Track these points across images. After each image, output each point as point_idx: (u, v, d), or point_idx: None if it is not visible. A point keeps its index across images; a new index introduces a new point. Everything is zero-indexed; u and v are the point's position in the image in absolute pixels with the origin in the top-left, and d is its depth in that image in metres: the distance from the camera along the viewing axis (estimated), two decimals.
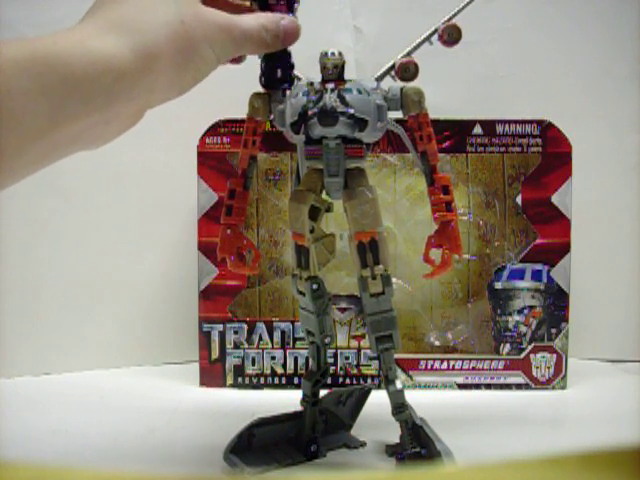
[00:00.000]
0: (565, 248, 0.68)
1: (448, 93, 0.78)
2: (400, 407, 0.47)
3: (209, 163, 0.69)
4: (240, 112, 0.69)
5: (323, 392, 0.53)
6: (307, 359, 0.69)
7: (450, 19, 0.51)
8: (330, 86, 0.45)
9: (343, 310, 0.69)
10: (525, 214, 0.68)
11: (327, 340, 0.50)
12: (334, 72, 0.46)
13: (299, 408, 0.52)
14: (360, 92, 0.45)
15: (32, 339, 0.74)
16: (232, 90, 0.75)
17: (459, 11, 0.51)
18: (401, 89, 0.47)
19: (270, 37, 0.45)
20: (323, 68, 0.46)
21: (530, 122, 0.68)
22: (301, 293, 0.49)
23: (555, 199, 0.68)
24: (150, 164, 0.75)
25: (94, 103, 0.39)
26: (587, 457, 0.22)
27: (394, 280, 0.69)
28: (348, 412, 0.55)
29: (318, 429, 0.52)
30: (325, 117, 0.44)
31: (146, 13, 0.40)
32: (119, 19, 0.40)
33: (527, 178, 0.68)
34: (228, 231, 0.49)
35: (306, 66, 0.80)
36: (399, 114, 0.48)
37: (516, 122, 0.68)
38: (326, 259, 0.48)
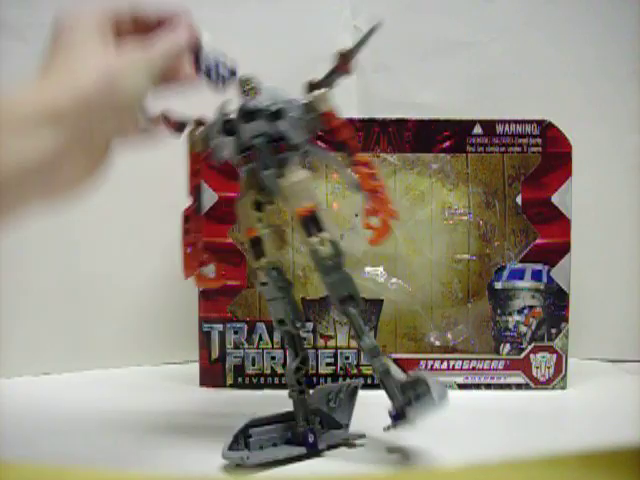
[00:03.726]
0: (565, 248, 0.68)
1: (448, 93, 0.78)
2: (375, 354, 0.48)
3: (209, 163, 0.68)
4: None
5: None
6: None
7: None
8: (246, 98, 0.52)
9: None
10: (525, 214, 0.68)
11: (298, 324, 0.51)
12: (249, 90, 0.52)
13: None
14: (269, 92, 0.52)
15: (32, 339, 0.74)
16: (232, 90, 0.75)
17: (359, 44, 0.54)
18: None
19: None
20: (242, 90, 0.52)
21: (530, 122, 0.68)
22: (264, 284, 0.51)
23: (555, 199, 0.68)
24: (150, 164, 0.75)
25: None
26: (587, 457, 0.22)
27: (394, 280, 0.69)
28: (342, 411, 0.55)
29: (313, 421, 0.52)
30: (245, 114, 0.51)
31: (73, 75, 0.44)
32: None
33: (527, 178, 0.68)
34: (188, 250, 0.54)
35: (306, 66, 0.80)
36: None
37: (516, 122, 0.68)
38: (280, 245, 0.52)
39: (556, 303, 0.69)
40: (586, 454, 0.22)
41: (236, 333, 0.69)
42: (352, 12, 0.79)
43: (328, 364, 0.69)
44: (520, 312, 0.69)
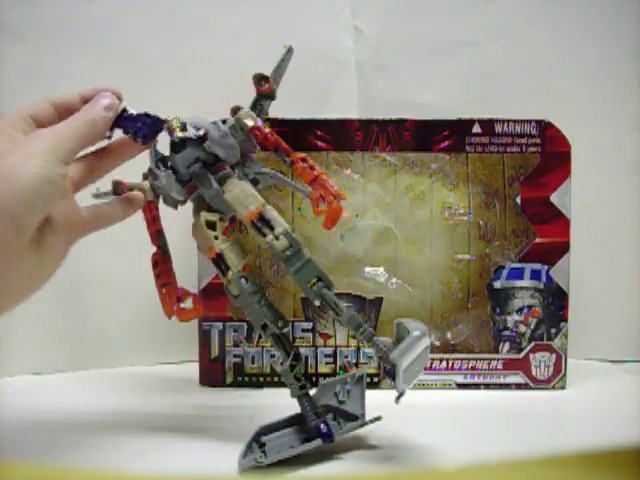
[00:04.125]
0: (564, 247, 0.68)
1: (448, 93, 0.78)
2: (357, 324, 0.50)
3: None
4: None
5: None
6: (306, 358, 0.69)
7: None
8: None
9: None
10: (524, 214, 0.68)
11: (280, 324, 0.52)
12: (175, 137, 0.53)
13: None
14: (191, 121, 0.54)
15: (30, 338, 0.74)
16: (232, 90, 0.75)
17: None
18: (235, 118, 0.54)
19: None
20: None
21: (529, 122, 0.68)
22: (237, 296, 0.52)
23: (554, 199, 0.68)
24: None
25: None
26: (587, 457, 0.22)
27: (394, 280, 0.69)
28: (354, 402, 0.54)
29: (322, 415, 0.51)
30: (176, 145, 0.53)
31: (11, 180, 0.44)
32: None
33: (526, 178, 0.68)
34: (163, 290, 0.56)
35: (307, 66, 0.80)
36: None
37: (515, 122, 0.68)
38: (244, 254, 0.53)
39: (555, 303, 0.69)
40: (586, 454, 0.22)
41: (236, 332, 0.69)
42: (352, 12, 0.79)
43: (327, 363, 0.69)
44: (519, 312, 0.69)
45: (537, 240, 0.68)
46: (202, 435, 0.55)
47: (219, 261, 0.52)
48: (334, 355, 0.69)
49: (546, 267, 0.68)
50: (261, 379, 0.69)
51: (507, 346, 0.69)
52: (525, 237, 0.69)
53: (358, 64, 0.79)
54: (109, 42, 0.74)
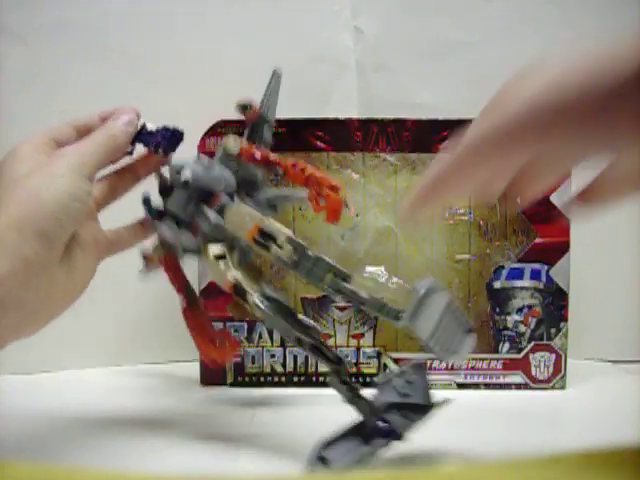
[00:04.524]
0: (564, 247, 0.68)
1: (448, 93, 0.78)
2: (382, 308, 0.49)
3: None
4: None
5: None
6: (307, 357, 0.69)
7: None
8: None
9: (342, 309, 0.69)
10: (524, 213, 0.68)
11: (314, 333, 0.51)
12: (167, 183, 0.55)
13: (303, 406, 0.52)
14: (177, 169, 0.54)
15: (31, 337, 0.74)
16: (232, 90, 0.75)
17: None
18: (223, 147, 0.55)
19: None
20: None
21: None
22: (265, 320, 0.51)
23: (554, 199, 0.68)
24: None
25: None
26: (587, 457, 0.22)
27: (394, 280, 0.69)
28: (419, 393, 0.51)
29: (380, 409, 0.49)
30: (164, 192, 0.55)
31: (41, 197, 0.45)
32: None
33: None
34: (199, 340, 0.56)
35: (307, 66, 0.80)
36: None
37: None
38: (257, 276, 0.53)
39: (555, 302, 0.69)
40: (586, 454, 0.22)
41: (236, 331, 0.70)
42: (352, 12, 0.79)
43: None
44: (519, 312, 0.69)
45: (537, 240, 0.68)
46: (202, 435, 0.55)
47: (238, 290, 0.51)
48: None
49: (546, 267, 0.69)
50: (261, 379, 0.70)
51: (507, 346, 0.69)
52: (526, 237, 0.69)
53: (358, 64, 0.79)
54: (108, 44, 0.74)
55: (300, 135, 0.69)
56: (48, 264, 0.46)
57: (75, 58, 0.74)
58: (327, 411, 0.50)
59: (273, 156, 0.54)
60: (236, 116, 0.67)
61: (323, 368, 0.69)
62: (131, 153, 0.54)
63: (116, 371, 0.75)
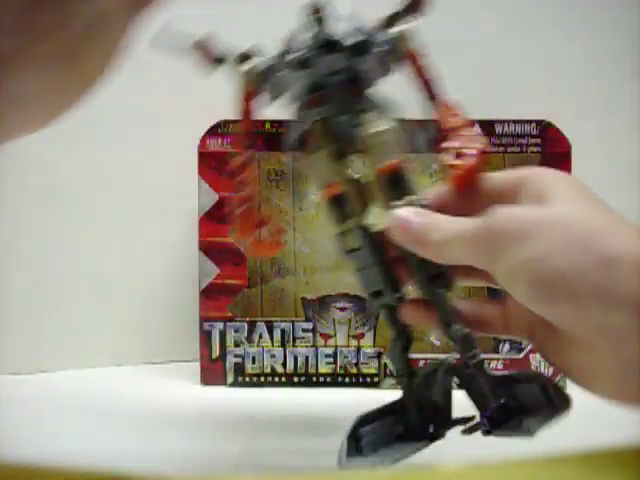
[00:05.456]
0: None
1: (448, 93, 0.78)
2: (471, 350, 0.40)
3: (210, 163, 0.69)
4: None
5: None
6: (307, 358, 0.69)
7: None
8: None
9: (343, 309, 0.69)
10: None
11: (399, 295, 0.43)
12: (320, 29, 0.45)
13: (303, 407, 0.52)
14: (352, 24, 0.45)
15: (31, 336, 0.74)
16: (232, 90, 0.75)
17: None
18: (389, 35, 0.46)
19: None
20: (314, 34, 0.45)
21: (529, 122, 0.68)
22: (353, 250, 0.43)
23: None
24: (151, 164, 0.75)
25: None
26: (587, 457, 0.22)
27: None
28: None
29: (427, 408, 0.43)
30: (325, 45, 0.44)
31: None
32: None
33: None
34: (239, 209, 0.47)
35: None
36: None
37: (515, 122, 0.68)
38: (364, 204, 0.44)
39: None
40: (586, 454, 0.22)
41: (236, 332, 0.69)
42: (352, 12, 0.79)
43: (328, 363, 0.69)
44: None
45: None
46: (203, 435, 0.55)
47: (337, 204, 0.43)
48: (334, 355, 0.69)
49: None
50: (262, 379, 0.70)
51: (507, 346, 0.69)
52: None
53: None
54: None
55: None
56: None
57: None
58: (327, 411, 0.50)
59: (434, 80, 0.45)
60: (235, 115, 0.67)
61: (323, 368, 0.69)
62: None
63: (116, 371, 0.75)
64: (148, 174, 0.75)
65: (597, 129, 0.77)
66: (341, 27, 0.43)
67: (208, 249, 0.69)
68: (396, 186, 0.41)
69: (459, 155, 0.40)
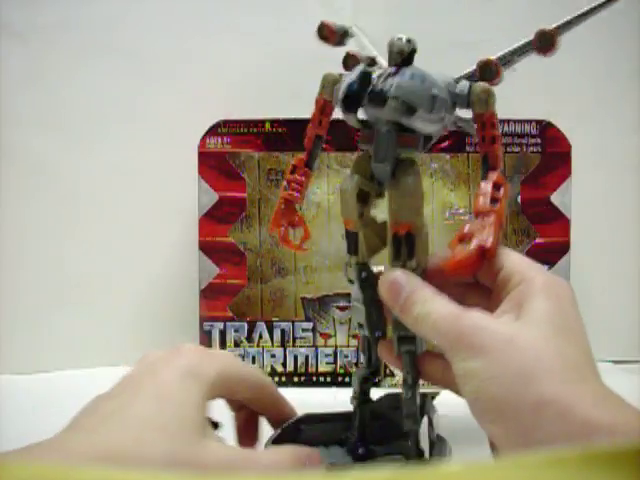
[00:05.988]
0: (564, 248, 0.68)
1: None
2: (411, 415, 0.44)
3: (210, 163, 0.69)
4: (240, 112, 0.69)
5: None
6: (307, 357, 0.69)
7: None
8: (390, 70, 0.42)
9: (343, 309, 0.69)
10: (524, 214, 0.68)
11: (378, 334, 0.46)
12: (397, 58, 0.42)
13: (303, 406, 0.52)
14: (414, 78, 0.41)
15: (32, 337, 0.74)
16: (232, 90, 0.75)
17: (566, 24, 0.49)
18: (470, 85, 0.44)
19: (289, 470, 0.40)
20: (389, 54, 0.43)
21: (529, 122, 0.68)
22: (351, 281, 0.46)
23: (554, 199, 0.68)
24: (151, 164, 0.75)
25: None
26: (587, 457, 0.22)
27: None
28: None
29: (369, 432, 0.48)
30: (372, 98, 0.41)
31: (123, 449, 0.36)
32: (107, 448, 0.36)
33: (526, 178, 0.68)
34: (282, 206, 0.48)
35: (307, 66, 0.80)
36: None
37: (515, 122, 0.68)
38: (377, 246, 0.45)
39: None
40: (586, 454, 0.22)
41: (236, 331, 0.70)
42: (352, 12, 0.79)
43: (328, 362, 0.69)
44: None
45: (537, 240, 0.68)
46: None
47: (350, 237, 0.45)
48: (334, 355, 0.69)
49: (546, 267, 0.68)
50: None
51: None
52: (526, 237, 0.69)
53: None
54: (109, 44, 0.74)
55: (300, 135, 0.68)
56: None
57: (75, 57, 0.74)
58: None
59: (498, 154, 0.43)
60: (236, 115, 0.67)
61: (323, 368, 0.69)
62: None
63: (116, 371, 0.74)
64: (148, 174, 0.75)
65: (597, 129, 0.77)
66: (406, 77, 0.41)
67: (208, 249, 0.69)
68: (403, 246, 0.42)
69: (461, 240, 0.39)
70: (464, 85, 0.43)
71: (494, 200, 0.40)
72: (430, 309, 0.38)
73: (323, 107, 0.47)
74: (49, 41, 0.73)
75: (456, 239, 0.39)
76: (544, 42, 0.47)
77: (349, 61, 0.46)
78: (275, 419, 0.46)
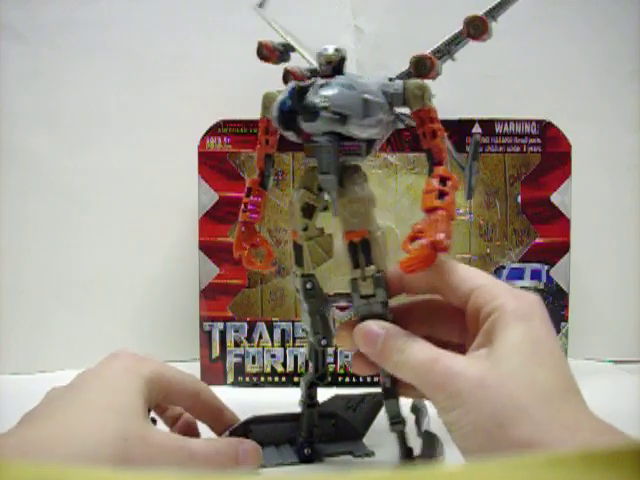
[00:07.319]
0: (564, 247, 0.68)
1: (448, 93, 0.78)
2: (395, 418, 0.44)
3: (210, 163, 0.69)
4: (240, 112, 0.69)
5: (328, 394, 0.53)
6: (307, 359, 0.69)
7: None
8: (322, 82, 0.42)
9: (343, 309, 0.69)
10: (524, 214, 0.68)
11: (323, 342, 0.49)
12: (327, 68, 0.42)
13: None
14: (343, 86, 0.41)
15: (31, 337, 0.74)
16: (232, 90, 0.75)
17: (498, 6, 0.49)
18: (404, 83, 0.44)
19: (226, 460, 0.43)
20: (319, 66, 0.43)
21: (529, 122, 0.68)
22: (297, 291, 0.49)
23: (554, 198, 0.68)
24: (151, 164, 0.75)
25: None
26: (587, 457, 0.22)
27: None
28: (361, 419, 0.53)
29: (317, 433, 0.50)
30: (304, 112, 0.41)
31: (81, 428, 0.38)
32: (46, 439, 0.37)
33: (526, 178, 0.68)
34: (242, 228, 0.49)
35: (306, 66, 0.80)
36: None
37: (515, 122, 0.68)
38: (321, 259, 0.47)
39: (556, 303, 0.69)
40: (586, 454, 0.22)
41: (236, 331, 0.70)
42: (352, 12, 0.79)
43: (328, 362, 0.69)
44: None
45: (537, 240, 0.68)
46: (203, 434, 0.55)
47: (297, 249, 0.46)
48: (334, 355, 0.69)
49: (546, 267, 0.68)
50: (262, 379, 0.70)
51: None
52: (526, 237, 0.69)
53: (358, 64, 0.79)
54: (109, 44, 0.74)
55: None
56: None
57: (75, 57, 0.74)
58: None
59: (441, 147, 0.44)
60: (236, 115, 0.67)
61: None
62: None
63: None
64: (148, 174, 0.75)
65: (597, 129, 0.77)
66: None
67: (208, 249, 0.69)
68: (360, 253, 0.43)
69: (412, 239, 0.40)
70: (398, 84, 0.43)
71: (442, 194, 0.40)
72: (407, 357, 0.39)
73: (266, 126, 0.47)
74: (49, 41, 0.73)
75: (408, 239, 0.40)
76: (475, 28, 0.47)
77: (288, 77, 0.44)
78: (216, 424, 0.48)
